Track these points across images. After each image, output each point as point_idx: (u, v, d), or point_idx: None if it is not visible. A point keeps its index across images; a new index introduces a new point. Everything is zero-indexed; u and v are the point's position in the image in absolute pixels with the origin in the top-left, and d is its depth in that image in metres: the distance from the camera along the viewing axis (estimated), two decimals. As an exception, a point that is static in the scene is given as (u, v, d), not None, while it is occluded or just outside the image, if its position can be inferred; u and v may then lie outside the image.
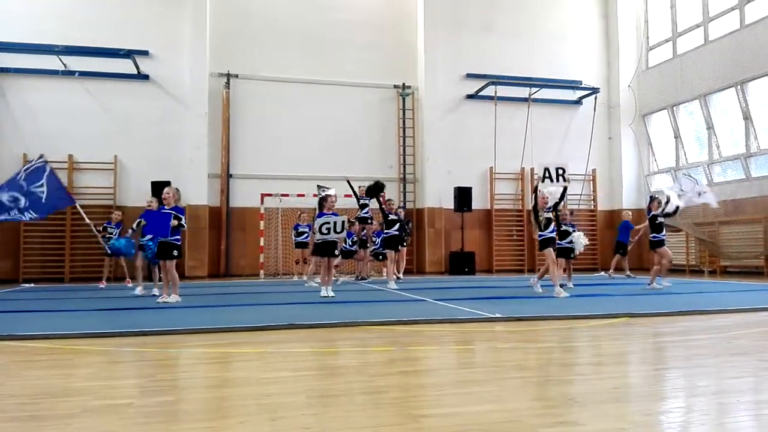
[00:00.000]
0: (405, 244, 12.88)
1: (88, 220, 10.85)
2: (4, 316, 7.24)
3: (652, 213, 10.66)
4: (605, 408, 3.09)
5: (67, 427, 2.81)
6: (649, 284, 10.61)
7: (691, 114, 17.42)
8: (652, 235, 10.69)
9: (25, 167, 8.70)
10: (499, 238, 17.93)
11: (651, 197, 11.23)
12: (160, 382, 3.92)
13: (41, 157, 8.72)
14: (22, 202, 8.34)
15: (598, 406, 3.12)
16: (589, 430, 2.70)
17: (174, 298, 8.50)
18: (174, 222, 8.43)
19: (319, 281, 10.67)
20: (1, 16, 15.15)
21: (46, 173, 8.40)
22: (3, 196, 8.30)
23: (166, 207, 8.65)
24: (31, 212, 8.33)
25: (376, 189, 11.26)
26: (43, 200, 8.37)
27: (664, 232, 10.70)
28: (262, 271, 16.01)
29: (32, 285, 13.27)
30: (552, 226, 9.52)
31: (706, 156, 16.67)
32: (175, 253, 8.62)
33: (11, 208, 8.19)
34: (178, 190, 8.91)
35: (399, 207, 12.30)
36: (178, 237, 8.70)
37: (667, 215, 10.64)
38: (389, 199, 12.53)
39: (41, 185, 8.48)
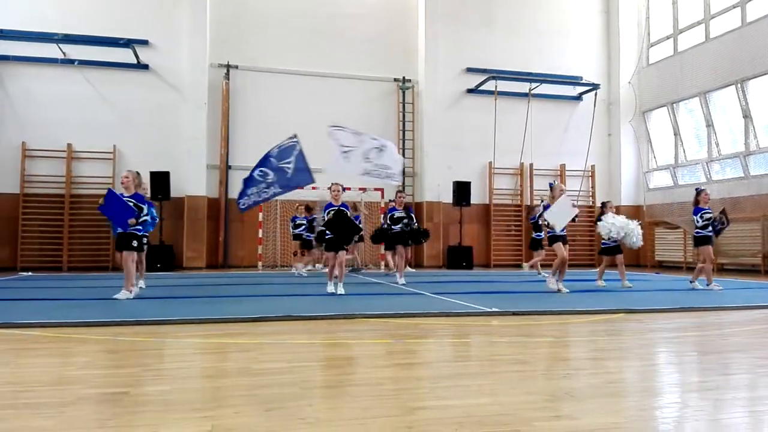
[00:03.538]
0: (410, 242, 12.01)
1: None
2: (1, 304, 7.23)
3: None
4: (600, 403, 3.09)
5: (61, 415, 2.81)
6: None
7: (691, 111, 17.40)
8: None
9: (279, 144, 8.75)
10: (497, 233, 17.93)
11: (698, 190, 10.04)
12: (156, 372, 3.92)
13: (294, 136, 8.81)
14: (271, 176, 8.39)
15: (593, 401, 3.12)
16: (583, 424, 2.71)
17: (124, 294, 7.55)
18: (132, 221, 7.58)
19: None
20: (0, 4, 15.07)
21: (296, 152, 8.42)
22: (254, 171, 8.42)
23: (125, 194, 7.77)
24: (277, 187, 8.38)
25: None
26: (289, 176, 8.41)
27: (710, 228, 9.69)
28: (260, 263, 16.01)
29: (30, 273, 13.27)
30: None
31: (705, 154, 16.67)
32: (135, 243, 7.75)
33: (260, 182, 8.25)
34: (139, 174, 8.08)
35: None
36: (141, 228, 7.89)
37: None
38: (400, 190, 11.90)
39: (289, 162, 8.48)
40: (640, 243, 10.09)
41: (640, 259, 17.69)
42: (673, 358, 4.66)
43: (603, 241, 10.23)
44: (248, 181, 8.73)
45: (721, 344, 5.06)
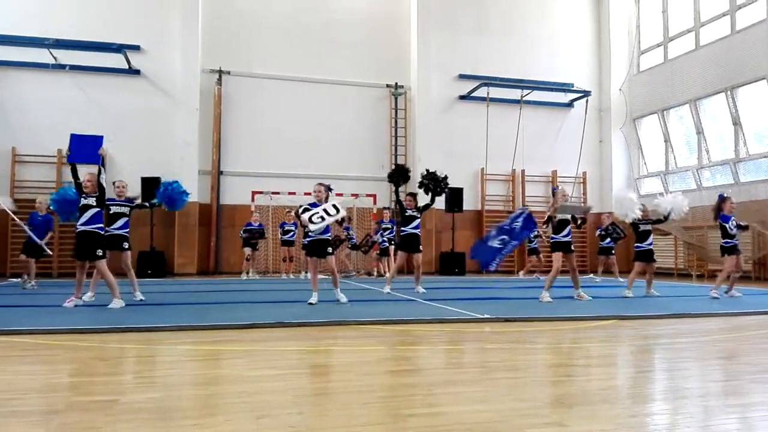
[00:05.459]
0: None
1: None
2: (-11, 310, 7.17)
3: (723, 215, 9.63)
4: (591, 409, 3.09)
5: (50, 423, 2.78)
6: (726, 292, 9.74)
7: (681, 118, 17.53)
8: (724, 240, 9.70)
9: (510, 216, 9.62)
10: (489, 239, 17.94)
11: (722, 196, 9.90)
12: (146, 379, 3.89)
13: (525, 208, 9.61)
14: (507, 237, 9.18)
15: (584, 408, 3.12)
16: (574, 431, 2.71)
17: (88, 296, 7.54)
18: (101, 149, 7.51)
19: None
20: (-9, 8, 15.03)
21: (525, 215, 9.19)
22: (494, 241, 9.11)
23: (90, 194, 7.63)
24: (512, 242, 9.18)
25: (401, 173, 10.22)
26: (517, 230, 9.24)
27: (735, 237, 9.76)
28: (251, 269, 15.93)
29: (20, 280, 13.14)
30: (568, 228, 8.79)
31: (695, 160, 16.78)
32: (100, 252, 7.23)
33: (501, 247, 9.03)
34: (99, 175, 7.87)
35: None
36: (101, 226, 7.43)
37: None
38: (411, 193, 11.01)
39: (518, 221, 9.45)
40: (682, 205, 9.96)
41: (630, 266, 17.73)
42: (664, 364, 4.67)
43: (636, 244, 10.04)
44: (490, 250, 9.35)
45: (712, 350, 5.08)
